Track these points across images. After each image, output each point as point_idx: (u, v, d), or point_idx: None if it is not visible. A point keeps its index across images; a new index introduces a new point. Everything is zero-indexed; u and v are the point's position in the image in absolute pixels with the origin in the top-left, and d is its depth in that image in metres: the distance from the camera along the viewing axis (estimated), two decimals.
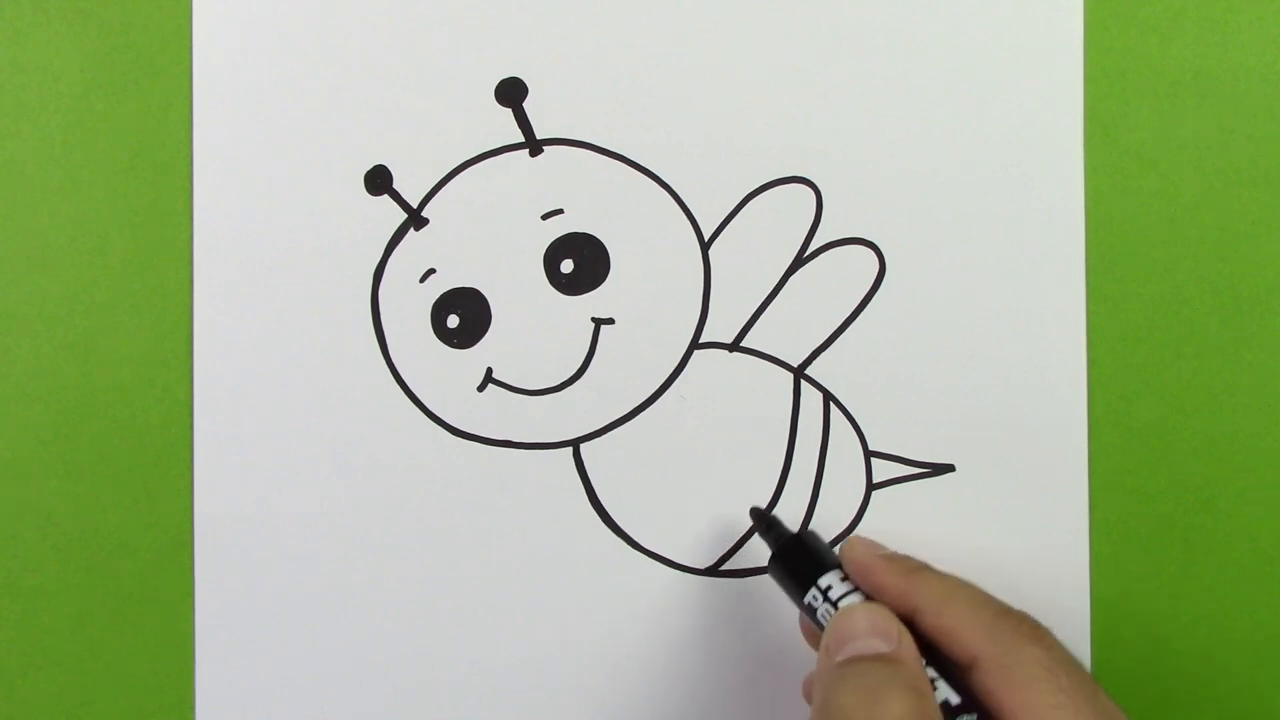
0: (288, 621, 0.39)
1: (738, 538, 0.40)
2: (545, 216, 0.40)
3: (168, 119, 0.40)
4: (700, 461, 0.40)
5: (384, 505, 0.40)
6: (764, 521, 0.37)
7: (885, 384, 0.40)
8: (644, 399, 0.40)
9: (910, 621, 0.33)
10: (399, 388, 0.40)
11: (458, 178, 0.40)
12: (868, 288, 0.40)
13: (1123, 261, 0.40)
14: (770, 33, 0.40)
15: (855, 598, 0.34)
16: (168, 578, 0.40)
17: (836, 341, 0.40)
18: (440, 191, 0.40)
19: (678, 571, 0.40)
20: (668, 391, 0.40)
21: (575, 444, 0.40)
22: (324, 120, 0.39)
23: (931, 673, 0.31)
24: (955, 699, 0.31)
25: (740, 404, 0.40)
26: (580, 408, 0.40)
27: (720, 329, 0.40)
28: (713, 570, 0.40)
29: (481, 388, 0.40)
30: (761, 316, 0.40)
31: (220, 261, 0.39)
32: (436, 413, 0.40)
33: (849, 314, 0.40)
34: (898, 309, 0.40)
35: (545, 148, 0.40)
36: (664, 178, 0.40)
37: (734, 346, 0.40)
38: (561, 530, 0.40)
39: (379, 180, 0.40)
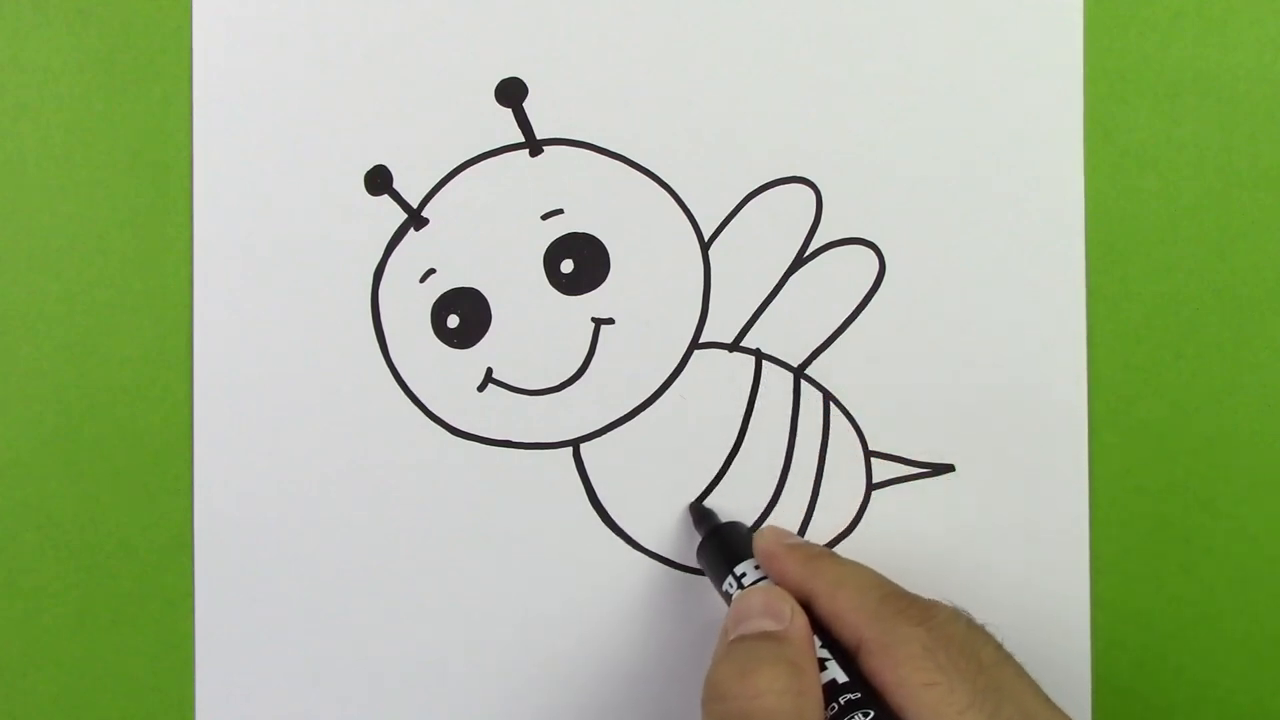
0: (288, 621, 0.39)
1: None
2: (545, 216, 0.40)
3: (168, 119, 0.40)
4: (700, 461, 0.40)
5: (384, 505, 0.40)
6: (698, 513, 0.39)
7: (885, 384, 0.40)
8: (644, 399, 0.40)
9: (808, 606, 0.33)
10: (399, 388, 0.40)
11: (458, 178, 0.40)
12: (868, 288, 0.40)
13: (1123, 261, 0.40)
14: (771, 33, 0.40)
15: (765, 584, 0.35)
16: (168, 578, 0.40)
17: (836, 341, 0.40)
18: (440, 191, 0.40)
19: (678, 571, 0.40)
20: (668, 391, 0.40)
21: (575, 444, 0.40)
22: (324, 120, 0.39)
23: (825, 654, 0.32)
24: (843, 678, 0.31)
25: (740, 404, 0.40)
26: (580, 408, 0.40)
27: (720, 329, 0.40)
28: None
29: (481, 388, 0.40)
30: (761, 316, 0.40)
31: (220, 261, 0.39)
32: (436, 413, 0.40)
33: (849, 314, 0.40)
34: (898, 309, 0.40)
35: (545, 148, 0.40)
36: (664, 178, 0.40)
37: (734, 346, 0.40)
38: (561, 530, 0.40)
39: (379, 180, 0.40)
